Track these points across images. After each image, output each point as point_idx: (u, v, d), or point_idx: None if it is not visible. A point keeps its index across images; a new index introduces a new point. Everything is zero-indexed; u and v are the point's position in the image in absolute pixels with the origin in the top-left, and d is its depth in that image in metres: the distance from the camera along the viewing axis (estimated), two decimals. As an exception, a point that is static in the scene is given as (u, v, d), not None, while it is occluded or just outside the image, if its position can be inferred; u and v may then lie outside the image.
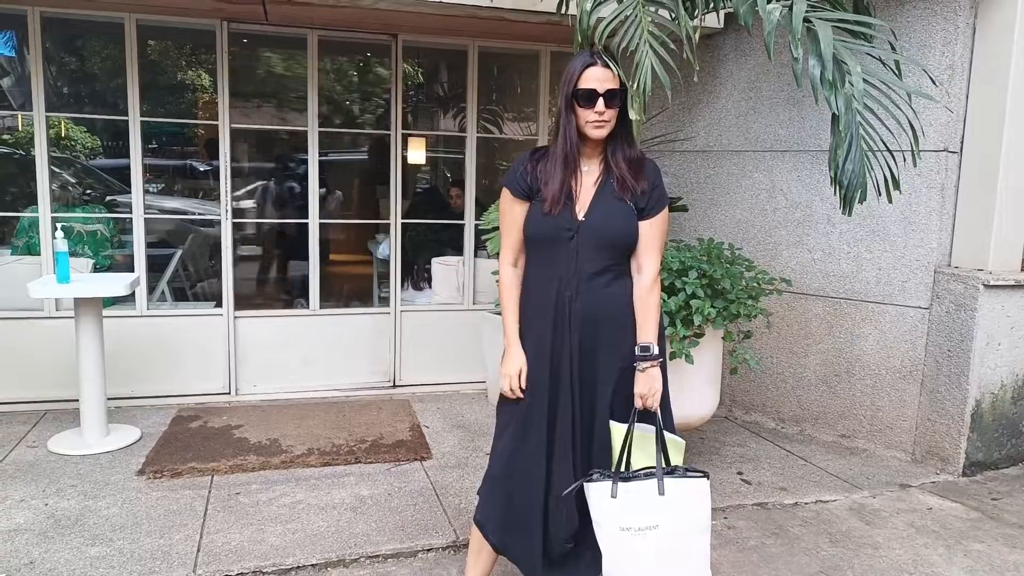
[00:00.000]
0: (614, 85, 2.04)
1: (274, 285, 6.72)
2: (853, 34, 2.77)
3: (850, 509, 3.33)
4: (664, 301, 3.08)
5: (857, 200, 2.61)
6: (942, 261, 3.79)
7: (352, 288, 6.20)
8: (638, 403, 2.06)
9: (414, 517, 3.06)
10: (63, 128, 7.47)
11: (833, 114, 2.48)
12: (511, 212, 2.16)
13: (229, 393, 4.50)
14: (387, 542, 2.87)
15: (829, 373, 4.13)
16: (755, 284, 3.46)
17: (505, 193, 2.17)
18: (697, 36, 2.66)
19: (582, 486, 2.04)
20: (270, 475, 3.46)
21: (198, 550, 2.76)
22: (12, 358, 4.14)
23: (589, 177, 2.12)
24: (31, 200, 4.26)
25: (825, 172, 4.02)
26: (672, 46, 2.57)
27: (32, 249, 4.29)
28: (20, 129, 7.27)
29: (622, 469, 2.05)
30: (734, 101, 4.39)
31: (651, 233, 2.11)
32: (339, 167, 7.21)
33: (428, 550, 2.82)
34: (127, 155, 4.27)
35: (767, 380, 4.37)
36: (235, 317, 4.48)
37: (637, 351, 2.07)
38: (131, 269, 4.31)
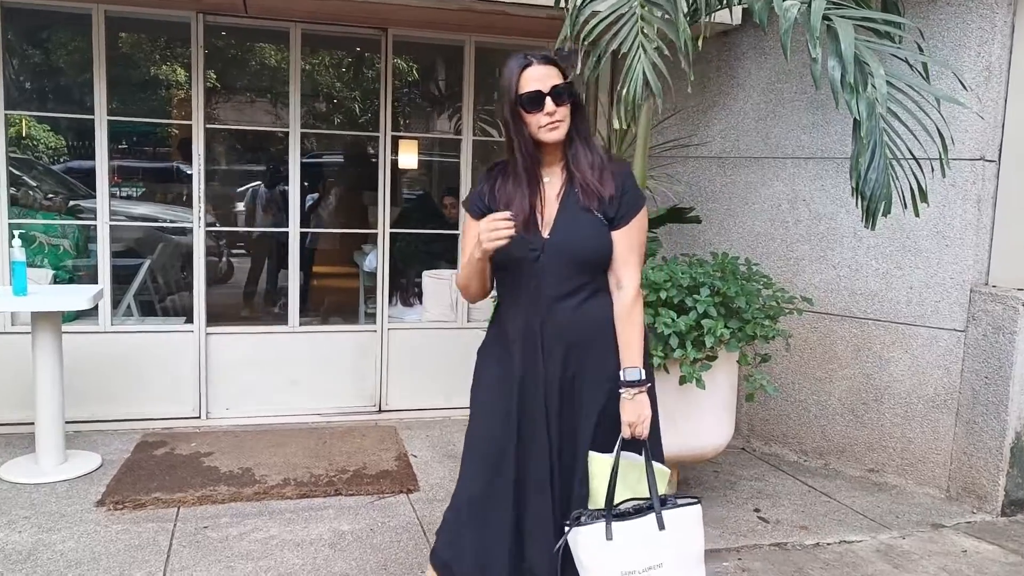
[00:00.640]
0: (559, 80, 2.03)
1: (250, 299, 6.75)
2: (878, 34, 2.82)
3: (877, 551, 3.33)
4: (673, 321, 3.11)
5: (881, 212, 2.64)
6: (979, 279, 3.81)
7: (336, 303, 6.24)
8: (626, 432, 2.04)
9: (398, 555, 3.07)
10: (24, 127, 7.54)
11: (855, 119, 2.52)
12: (469, 235, 2.14)
13: (199, 417, 4.52)
14: (367, 582, 2.88)
15: (856, 401, 4.14)
16: (773, 303, 3.48)
17: (467, 216, 2.18)
18: (700, 44, 2.69)
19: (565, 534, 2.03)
20: (242, 507, 3.47)
21: (160, 589, 2.78)
22: (-37, 377, 4.17)
23: (551, 189, 2.11)
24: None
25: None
26: (667, 52, 2.60)
27: (-13, 258, 4.33)
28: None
29: (609, 505, 2.02)
30: (753, 103, 4.44)
31: (626, 244, 2.08)
32: (323, 171, 7.26)
33: (412, 592, 2.83)
34: (93, 156, 4.32)
35: (787, 408, 4.38)
36: (207, 334, 4.51)
37: (622, 376, 2.05)
38: (94, 280, 4.35)
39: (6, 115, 4.19)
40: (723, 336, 3.18)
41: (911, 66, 3.06)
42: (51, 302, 3.63)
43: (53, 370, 3.69)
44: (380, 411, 4.79)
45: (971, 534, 3.52)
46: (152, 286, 5.59)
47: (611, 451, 2.04)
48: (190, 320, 4.56)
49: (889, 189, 2.62)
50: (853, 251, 4.11)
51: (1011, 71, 3.72)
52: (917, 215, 2.81)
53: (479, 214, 2.11)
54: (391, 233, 4.84)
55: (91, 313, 4.30)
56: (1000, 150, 3.77)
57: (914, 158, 2.80)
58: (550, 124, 2.02)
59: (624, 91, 2.48)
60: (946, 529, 3.56)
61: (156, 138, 9.70)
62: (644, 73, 2.45)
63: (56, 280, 4.50)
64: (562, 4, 3.18)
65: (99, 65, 4.22)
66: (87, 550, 3.03)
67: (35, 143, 8.17)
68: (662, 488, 2.07)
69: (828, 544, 3.38)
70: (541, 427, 2.09)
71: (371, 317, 4.98)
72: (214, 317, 4.62)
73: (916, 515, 3.68)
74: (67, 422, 3.86)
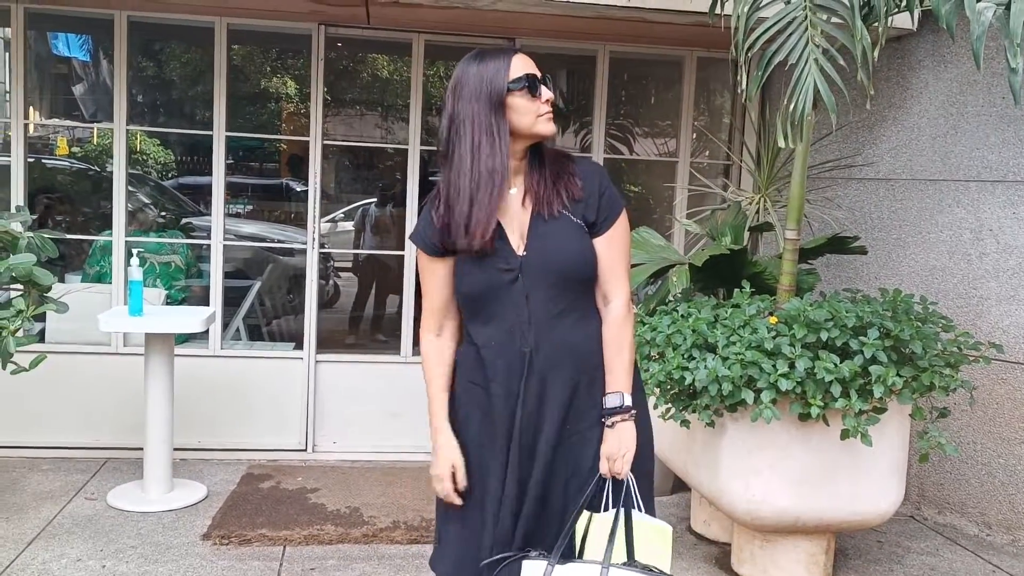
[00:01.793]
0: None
1: (357, 325, 6.99)
2: (1091, 38, 2.67)
3: (1082, 649, 3.10)
4: (836, 366, 3.01)
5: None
6: None
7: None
8: (603, 467, 1.98)
9: (516, 614, 3.09)
10: (138, 142, 8.14)
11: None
12: (430, 273, 2.08)
13: (305, 450, 4.71)
14: (484, 641, 2.90)
15: (1053, 467, 3.88)
16: (955, 349, 3.32)
17: (418, 252, 2.09)
18: (876, 53, 2.63)
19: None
20: (349, 550, 3.58)
21: (268, 632, 2.89)
22: (75, 397, 4.51)
23: (515, 199, 2.02)
24: (104, 222, 4.66)
25: (1050, 209, 3.84)
26: (841, 61, 2.55)
27: (104, 277, 4.68)
28: (94, 142, 7.99)
29: (571, 548, 1.95)
30: (929, 118, 4.28)
31: (611, 251, 2.02)
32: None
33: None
34: (204, 172, 4.62)
35: (968, 472, 4.15)
36: (316, 361, 4.71)
37: (605, 402, 2.00)
38: (205, 301, 4.62)
39: (127, 130, 4.54)
40: (894, 385, 3.05)
41: None
42: (166, 324, 3.89)
43: (165, 394, 3.94)
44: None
45: None
46: (260, 309, 5.89)
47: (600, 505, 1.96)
48: (299, 346, 4.77)
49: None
50: (1051, 290, 3.87)
51: None
52: None
53: (432, 249, 2.04)
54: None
55: (201, 336, 4.57)
56: None
57: None
58: (549, 113, 1.97)
59: (792, 106, 2.45)
60: None
61: (264, 153, 10.25)
62: (816, 85, 2.42)
63: (168, 300, 4.81)
64: (718, 11, 3.18)
65: (220, 79, 4.52)
66: (194, 585, 3.20)
67: (145, 158, 8.79)
68: (659, 551, 1.94)
69: (1020, 636, 3.17)
70: (537, 470, 1.99)
71: (487, 349, 5.05)
72: (322, 343, 4.82)
73: None
74: (174, 449, 4.10)
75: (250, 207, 8.93)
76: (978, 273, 4.11)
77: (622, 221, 2.04)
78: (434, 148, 7.28)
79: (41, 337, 4.44)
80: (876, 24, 2.97)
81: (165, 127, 7.70)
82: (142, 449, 4.00)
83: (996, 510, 4.07)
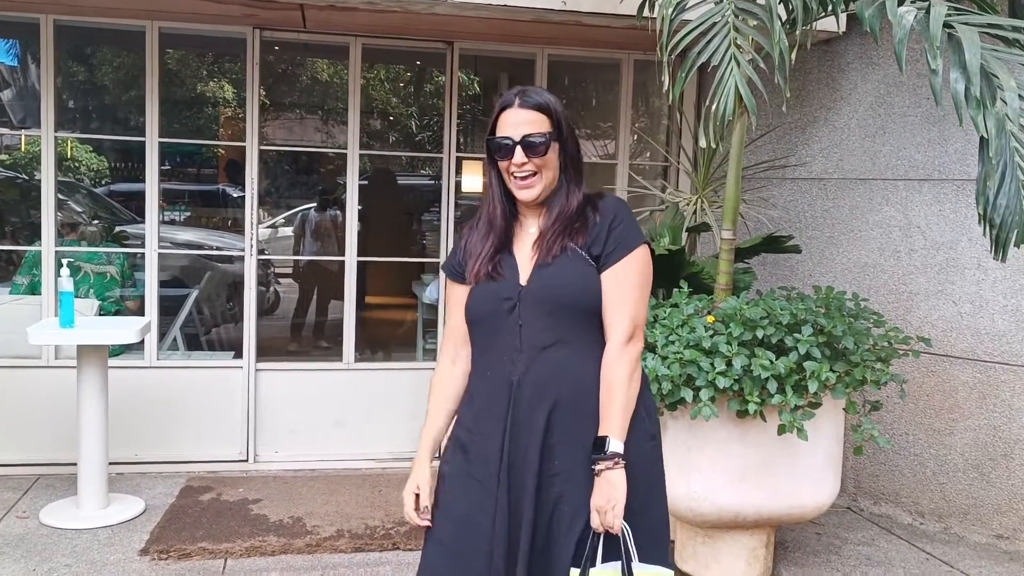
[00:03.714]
0: (541, 128, 1.93)
1: (299, 332, 6.91)
2: (1006, 42, 2.77)
3: (1010, 631, 3.21)
4: (772, 363, 3.08)
5: (1013, 242, 2.59)
6: None
7: (393, 337, 6.33)
8: (594, 521, 1.85)
9: (462, 618, 3.08)
10: (69, 149, 7.92)
11: (981, 138, 2.48)
12: (452, 298, 2.11)
13: (246, 460, 4.64)
14: (430, 648, 2.90)
15: (981, 457, 4.01)
16: (885, 343, 3.41)
17: (444, 276, 2.16)
18: (794, 55, 2.70)
19: None
20: (292, 560, 3.54)
21: (208, 647, 2.85)
22: (4, 413, 4.37)
23: (532, 238, 2.02)
24: (33, 232, 4.53)
25: (974, 205, 3.95)
26: (762, 64, 2.61)
27: (35, 288, 4.55)
28: (22, 149, 7.76)
29: None
30: (859, 119, 4.40)
31: (616, 287, 1.93)
32: (382, 194, 7.40)
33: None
34: (138, 179, 4.52)
35: (901, 463, 4.27)
36: (256, 370, 4.64)
37: (593, 447, 1.88)
38: (140, 312, 4.52)
39: (55, 137, 4.42)
40: (828, 380, 3.13)
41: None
42: (99, 335, 3.79)
43: (99, 407, 3.84)
44: (440, 457, 4.83)
45: (1123, 615, 3.36)
46: (198, 318, 5.79)
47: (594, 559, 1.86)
48: (239, 355, 4.70)
49: (1023, 215, 2.56)
50: (977, 285, 4.01)
51: None
52: (1055, 245, 2.74)
53: (455, 274, 2.09)
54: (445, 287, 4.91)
55: (136, 347, 4.47)
56: None
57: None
58: (520, 178, 1.94)
59: (714, 107, 2.50)
60: (1093, 608, 3.41)
61: (201, 159, 10.08)
62: (736, 87, 2.47)
63: (102, 312, 4.70)
64: (646, 13, 3.23)
65: (152, 84, 4.43)
66: (131, 602, 3.13)
67: (77, 164, 8.56)
68: None
69: (952, 621, 3.27)
70: (527, 512, 1.90)
71: (431, 353, 5.05)
72: (262, 351, 4.75)
73: (1056, 590, 3.54)
74: (110, 463, 4.00)
75: (187, 214, 8.78)
76: (907, 269, 4.23)
77: (635, 256, 1.95)
78: (373, 152, 7.23)
79: (-33, 351, 4.30)
80: (801, 28, 3.05)
81: (97, 133, 7.50)
82: (76, 465, 3.90)
83: (928, 499, 4.19)
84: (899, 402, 4.12)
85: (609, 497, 1.83)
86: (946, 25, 2.57)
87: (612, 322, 1.93)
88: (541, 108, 1.95)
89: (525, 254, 2.00)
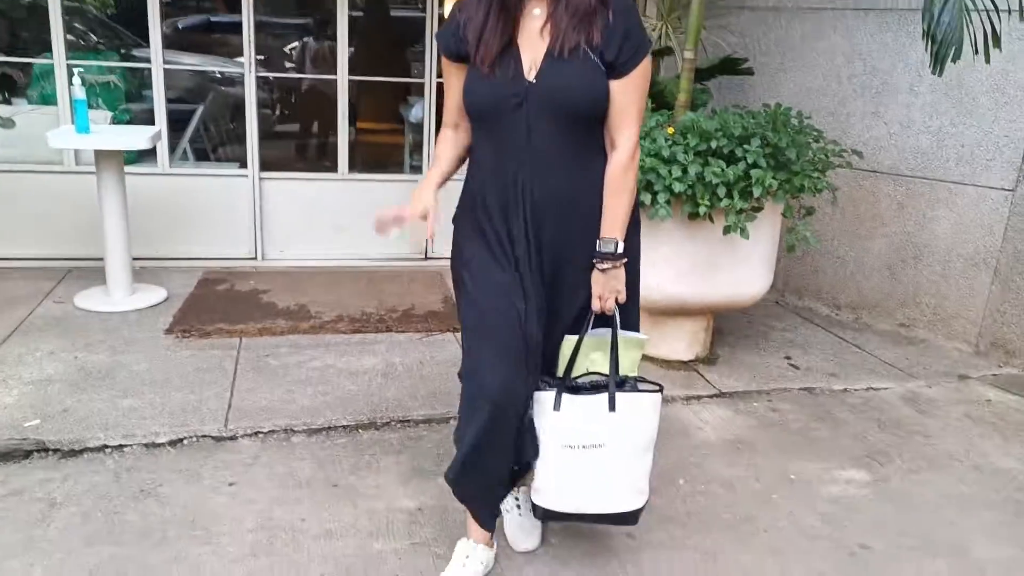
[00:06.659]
0: None
1: (301, 149, 6.70)
2: None
3: (903, 398, 3.35)
4: (723, 170, 3.00)
5: (951, 58, 2.47)
6: (1035, 138, 3.61)
7: (383, 155, 6.15)
8: (595, 305, 1.89)
9: (445, 386, 3.16)
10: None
11: (934, -47, 2.30)
12: (447, 74, 1.89)
13: (255, 258, 4.59)
14: (419, 408, 2.98)
15: (894, 259, 4.05)
16: (823, 156, 3.34)
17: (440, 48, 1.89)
18: None
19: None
20: (299, 339, 3.56)
21: (229, 407, 2.90)
22: (34, 213, 4.24)
23: (537, 22, 1.75)
24: (44, 47, 4.22)
25: (913, 34, 3.78)
26: None
27: (47, 99, 4.30)
28: (27, -29, 7.11)
29: (569, 375, 1.93)
30: (815, -51, 4.10)
31: (626, 97, 1.76)
32: (374, 24, 6.97)
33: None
34: (141, 4, 4.17)
35: (824, 264, 4.31)
36: (260, 179, 4.50)
37: (598, 245, 1.84)
38: (151, 123, 4.31)
39: (56, -49, 4.03)
40: (771, 187, 3.08)
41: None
42: (113, 141, 3.61)
43: (119, 207, 3.72)
44: (426, 258, 4.81)
45: (996, 385, 3.51)
46: (205, 135, 5.55)
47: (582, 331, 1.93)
48: (244, 166, 4.54)
49: (962, 33, 2.43)
50: (907, 107, 3.89)
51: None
52: (988, 61, 2.62)
53: (452, 52, 1.83)
54: (438, 83, 4.69)
55: (150, 156, 4.30)
56: (1076, 0, 3.46)
57: (993, 5, 2.58)
58: None
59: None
60: (972, 380, 3.56)
61: (200, -10, 9.36)
62: None
63: (115, 121, 4.46)
64: None
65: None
66: (159, 371, 3.16)
67: (83, -6, 7.92)
68: (634, 359, 1.96)
69: (856, 390, 3.40)
70: (532, 300, 1.88)
71: (417, 169, 4.92)
72: (265, 166, 4.58)
73: (943, 367, 3.67)
74: (133, 258, 3.93)
75: (192, 42, 8.25)
76: (847, 92, 4.10)
77: (644, 68, 1.77)
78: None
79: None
80: None
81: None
82: (103, 259, 3.82)
83: (845, 295, 4.27)
84: (829, 210, 4.12)
85: (612, 288, 1.86)
86: None
87: (619, 131, 1.79)
88: None
89: (531, 41, 1.76)
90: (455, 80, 1.87)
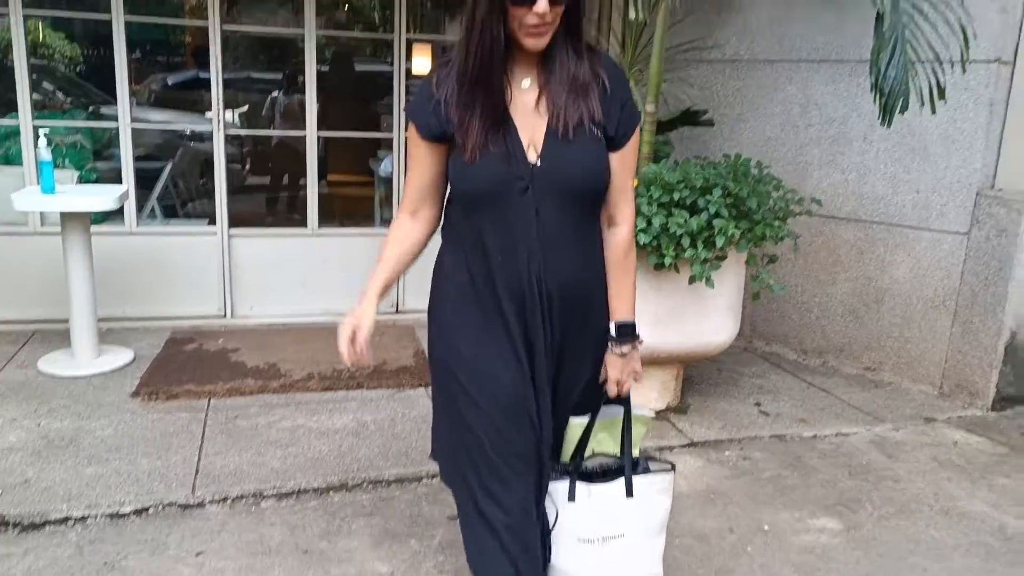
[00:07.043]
0: None
1: (271, 203, 6.70)
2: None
3: (871, 442, 3.38)
4: (686, 221, 3.05)
5: (899, 110, 2.55)
6: (985, 183, 3.72)
7: (352, 209, 6.17)
8: (612, 391, 1.78)
9: (418, 443, 3.13)
10: (41, 33, 7.32)
11: (877, 13, 2.40)
12: (418, 154, 1.70)
13: (224, 316, 4.54)
14: (390, 467, 2.94)
15: (857, 303, 4.12)
16: (783, 205, 3.41)
17: (411, 128, 1.70)
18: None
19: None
20: (269, 399, 3.52)
21: (196, 472, 2.84)
22: (-2, 275, 4.18)
23: (528, 95, 1.63)
24: (9, 108, 4.21)
25: (864, 85, 3.90)
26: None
27: (11, 160, 4.27)
28: (-7, 33, 7.13)
29: (580, 461, 1.80)
30: (768, 3, 4.24)
31: (624, 170, 1.69)
32: (338, 77, 7.06)
33: (432, 476, 2.89)
34: (108, 64, 4.19)
35: (790, 309, 4.37)
36: (230, 236, 4.48)
37: (614, 330, 1.74)
38: (118, 182, 4.29)
39: (24, 14, 4.04)
40: (734, 236, 3.13)
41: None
42: (80, 202, 3.59)
43: (84, 268, 3.68)
44: (398, 311, 4.81)
45: (962, 427, 3.56)
46: (174, 191, 5.54)
47: (588, 411, 1.80)
48: (213, 222, 4.52)
49: (908, 86, 2.52)
50: (862, 155, 4.00)
51: (1034, -30, 3.53)
52: (934, 112, 2.72)
53: (431, 133, 1.65)
54: (407, 137, 4.73)
55: (117, 215, 4.27)
56: (1016, 51, 3.61)
57: (937, 59, 2.68)
58: (537, 28, 1.53)
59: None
60: (938, 423, 3.60)
61: (170, 46, 9.43)
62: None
63: (82, 181, 4.44)
64: None
65: (112, -36, 4.04)
66: (125, 436, 3.09)
67: (51, 51, 7.95)
68: (639, 436, 1.86)
69: (825, 436, 3.42)
70: (544, 396, 1.73)
71: (387, 223, 4.91)
72: (234, 222, 4.57)
73: (910, 410, 3.72)
74: (99, 319, 3.88)
75: (162, 98, 8.27)
76: (804, 141, 4.21)
77: (636, 134, 1.71)
78: (331, 33, 6.81)
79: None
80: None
81: (71, 12, 6.93)
82: (68, 321, 3.76)
83: (811, 339, 4.33)
84: (791, 257, 4.18)
85: (631, 370, 1.78)
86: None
87: (618, 206, 1.71)
88: None
89: (526, 117, 1.63)
90: (427, 160, 1.70)
